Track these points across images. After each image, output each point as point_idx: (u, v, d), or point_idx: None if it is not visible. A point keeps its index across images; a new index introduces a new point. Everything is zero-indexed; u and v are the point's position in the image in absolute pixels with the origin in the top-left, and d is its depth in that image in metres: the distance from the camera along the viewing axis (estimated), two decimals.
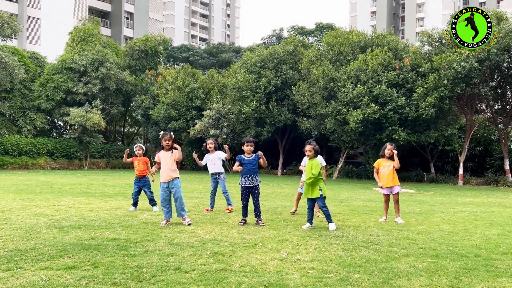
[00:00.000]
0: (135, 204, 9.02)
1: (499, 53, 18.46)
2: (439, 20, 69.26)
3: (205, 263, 4.80)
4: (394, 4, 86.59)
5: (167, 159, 7.35)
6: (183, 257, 5.03)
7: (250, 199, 7.59)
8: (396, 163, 7.98)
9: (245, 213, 7.55)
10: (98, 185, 15.60)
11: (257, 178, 7.55)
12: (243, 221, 7.48)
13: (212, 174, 9.32)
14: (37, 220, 7.40)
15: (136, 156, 9.18)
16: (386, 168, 8.12)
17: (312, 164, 7.24)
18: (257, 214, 7.52)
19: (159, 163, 7.47)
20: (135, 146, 9.41)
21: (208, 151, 9.32)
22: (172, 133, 7.55)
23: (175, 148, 7.41)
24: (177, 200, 7.34)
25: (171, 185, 7.33)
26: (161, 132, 7.52)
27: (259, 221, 7.44)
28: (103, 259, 4.84)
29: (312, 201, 7.25)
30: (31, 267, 4.51)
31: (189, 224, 7.19)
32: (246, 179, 7.50)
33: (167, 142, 7.36)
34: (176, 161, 7.41)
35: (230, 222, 7.58)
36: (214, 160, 9.24)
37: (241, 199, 7.61)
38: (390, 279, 4.36)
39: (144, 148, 9.30)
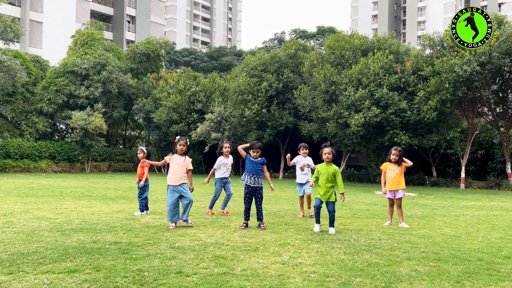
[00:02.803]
0: (145, 207, 9.05)
1: (500, 56, 18.46)
2: (440, 23, 69.37)
3: (206, 266, 4.80)
4: (395, 7, 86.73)
5: (179, 164, 7.42)
6: (184, 260, 5.03)
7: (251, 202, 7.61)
8: (407, 164, 8.15)
9: (247, 216, 7.55)
10: (100, 188, 15.60)
11: (259, 180, 7.57)
12: (244, 224, 7.47)
13: (223, 178, 9.17)
14: (39, 223, 7.40)
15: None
16: (392, 171, 8.13)
17: (334, 170, 7.17)
18: (260, 217, 7.52)
19: (162, 163, 7.53)
20: (138, 149, 9.47)
21: (221, 154, 9.17)
22: (187, 140, 7.63)
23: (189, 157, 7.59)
24: (189, 203, 7.41)
25: (182, 188, 7.36)
26: (177, 137, 7.61)
27: (261, 225, 7.44)
28: (105, 263, 4.84)
29: (321, 202, 7.21)
30: (33, 271, 4.51)
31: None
32: (249, 177, 7.51)
33: (181, 147, 7.45)
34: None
35: (231, 226, 7.57)
36: (228, 165, 9.19)
37: (244, 202, 7.62)
38: (392, 283, 4.36)
39: (144, 151, 9.24)
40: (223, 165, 9.15)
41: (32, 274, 4.40)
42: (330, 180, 7.14)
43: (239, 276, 4.45)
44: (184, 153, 7.53)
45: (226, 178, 9.21)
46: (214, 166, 9.25)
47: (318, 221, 7.23)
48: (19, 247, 5.57)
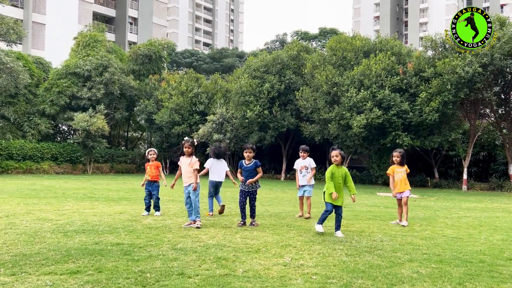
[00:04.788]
0: (147, 208, 9.05)
1: (502, 58, 18.44)
2: (442, 25, 69.24)
3: (208, 268, 4.81)
4: (397, 9, 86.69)
5: (186, 165, 7.75)
6: (186, 262, 5.04)
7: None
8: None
9: (243, 215, 7.83)
10: (102, 189, 15.62)
11: (255, 183, 7.82)
12: (242, 222, 7.76)
13: (220, 182, 9.06)
14: (41, 224, 7.42)
15: (149, 161, 9.26)
16: (399, 173, 8.40)
17: (344, 172, 7.12)
18: (252, 215, 7.81)
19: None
20: (148, 150, 9.47)
21: (218, 156, 9.06)
22: (195, 141, 7.99)
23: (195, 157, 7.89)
24: (193, 202, 7.62)
25: (190, 189, 7.67)
26: (186, 138, 7.93)
27: (253, 222, 7.73)
28: (107, 264, 4.86)
29: (333, 207, 7.15)
30: (35, 272, 4.53)
31: (197, 228, 7.34)
32: (245, 184, 7.78)
33: (187, 149, 7.79)
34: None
35: (233, 227, 7.58)
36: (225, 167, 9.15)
37: (239, 201, 7.88)
38: (393, 285, 4.36)
39: (157, 153, 9.49)
40: (220, 169, 9.11)
41: (34, 275, 4.42)
42: (341, 182, 7.11)
43: (241, 278, 4.46)
44: (191, 154, 7.83)
45: (220, 182, 9.22)
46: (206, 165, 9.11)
47: (322, 222, 7.14)
48: (22, 248, 5.59)
